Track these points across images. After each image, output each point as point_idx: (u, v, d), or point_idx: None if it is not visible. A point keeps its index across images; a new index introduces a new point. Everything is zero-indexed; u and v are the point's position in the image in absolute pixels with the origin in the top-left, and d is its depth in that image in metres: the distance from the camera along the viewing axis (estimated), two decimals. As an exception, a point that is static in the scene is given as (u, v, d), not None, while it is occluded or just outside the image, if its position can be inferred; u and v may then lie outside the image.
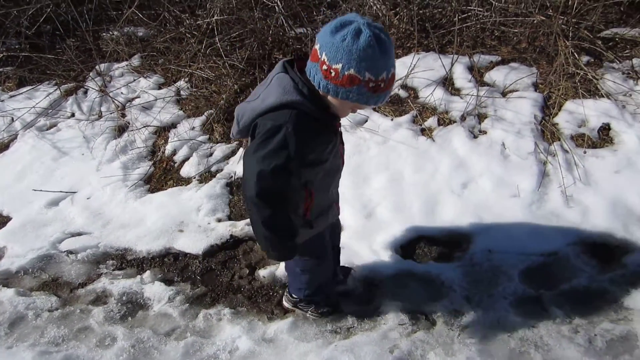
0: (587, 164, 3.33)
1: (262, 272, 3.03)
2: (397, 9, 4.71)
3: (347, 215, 3.24)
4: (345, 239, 3.11)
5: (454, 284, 2.82)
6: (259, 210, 1.85)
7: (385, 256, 2.98)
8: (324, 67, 1.64)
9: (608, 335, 2.50)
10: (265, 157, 1.76)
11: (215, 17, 4.33)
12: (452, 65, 4.06)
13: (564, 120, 3.60)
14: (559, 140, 3.48)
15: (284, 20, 4.59)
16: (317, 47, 1.66)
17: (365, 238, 3.10)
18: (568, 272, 2.80)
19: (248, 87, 4.27)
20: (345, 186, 3.41)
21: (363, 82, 1.62)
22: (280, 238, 1.95)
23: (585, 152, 3.36)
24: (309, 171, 1.94)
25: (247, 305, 2.89)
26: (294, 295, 2.70)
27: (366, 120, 3.86)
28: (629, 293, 2.67)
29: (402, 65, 4.10)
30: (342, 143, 2.14)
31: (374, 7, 4.71)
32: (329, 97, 1.74)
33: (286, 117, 1.75)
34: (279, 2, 4.57)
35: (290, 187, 1.87)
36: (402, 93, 4.01)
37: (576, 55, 3.95)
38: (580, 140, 3.50)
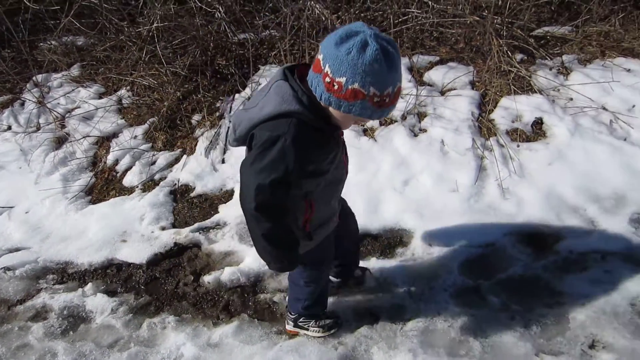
0: (521, 157, 3.45)
1: (207, 278, 3.01)
2: (339, 13, 4.79)
3: (292, 217, 3.25)
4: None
5: (396, 279, 2.86)
6: (258, 223, 1.80)
7: (330, 256, 3.00)
8: (327, 79, 1.57)
9: (543, 320, 2.59)
10: (262, 169, 1.70)
11: (155, 25, 4.29)
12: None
13: (500, 116, 3.73)
14: (495, 135, 3.60)
15: (226, 26, 4.59)
16: (320, 57, 1.59)
17: (310, 239, 3.11)
18: (505, 262, 2.89)
19: (191, 94, 4.25)
20: (290, 188, 3.44)
21: (367, 97, 1.56)
22: (281, 250, 1.90)
23: (518, 146, 3.49)
24: (309, 182, 1.89)
25: (192, 312, 2.87)
26: (292, 313, 2.60)
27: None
28: (561, 278, 2.78)
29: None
30: (346, 154, 2.09)
31: (316, 11, 4.77)
32: (331, 109, 1.68)
33: (284, 128, 1.68)
34: (220, 8, 4.56)
35: (290, 199, 1.82)
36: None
37: (509, 54, 4.09)
38: (515, 134, 3.63)
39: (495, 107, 3.81)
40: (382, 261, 2.98)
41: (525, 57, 4.22)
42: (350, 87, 1.54)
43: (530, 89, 3.88)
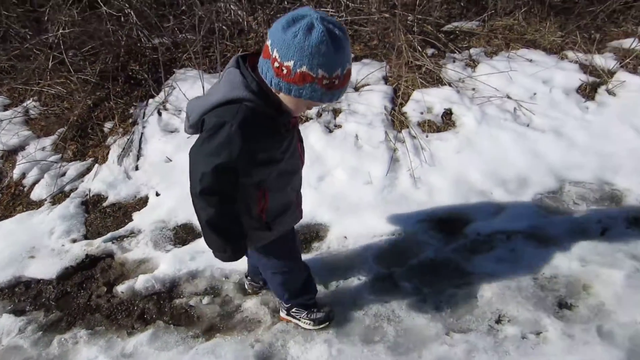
0: (432, 147, 3.55)
1: (121, 288, 2.92)
2: (255, 14, 4.79)
3: (208, 219, 3.22)
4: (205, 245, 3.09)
5: (312, 274, 2.87)
6: (202, 208, 1.79)
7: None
8: (276, 64, 1.57)
9: (453, 300, 2.66)
10: (208, 155, 1.69)
11: (61, 31, 4.14)
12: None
13: (412, 109, 3.83)
14: (407, 127, 3.69)
15: (139, 31, 4.49)
16: (268, 43, 1.60)
17: (226, 239, 3.08)
18: (417, 248, 2.96)
19: (103, 101, 4.12)
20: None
21: (316, 80, 1.56)
22: (224, 239, 1.87)
23: (427, 137, 3.59)
24: (260, 171, 1.88)
25: (106, 323, 2.77)
26: (285, 303, 2.57)
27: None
28: (469, 260, 2.87)
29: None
30: (301, 141, 2.08)
31: (232, 12, 4.75)
32: (281, 95, 1.68)
33: (232, 114, 1.68)
34: (131, 13, 4.46)
35: (236, 187, 1.80)
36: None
37: (420, 49, 4.22)
38: (426, 126, 3.73)
39: (407, 101, 3.91)
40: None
41: (436, 52, 4.36)
42: (298, 70, 1.55)
43: (440, 82, 4.01)
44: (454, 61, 4.23)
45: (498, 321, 2.55)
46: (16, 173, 3.71)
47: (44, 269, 3.07)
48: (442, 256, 2.91)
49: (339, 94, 1.67)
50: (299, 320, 2.57)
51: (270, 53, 1.58)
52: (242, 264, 2.94)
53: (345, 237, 3.05)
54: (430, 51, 4.34)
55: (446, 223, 3.11)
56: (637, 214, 3.08)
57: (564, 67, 4.07)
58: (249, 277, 2.80)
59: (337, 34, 1.53)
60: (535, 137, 3.56)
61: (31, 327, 2.77)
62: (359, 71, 4.16)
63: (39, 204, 3.53)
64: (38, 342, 2.69)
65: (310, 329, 2.56)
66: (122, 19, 4.49)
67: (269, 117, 1.75)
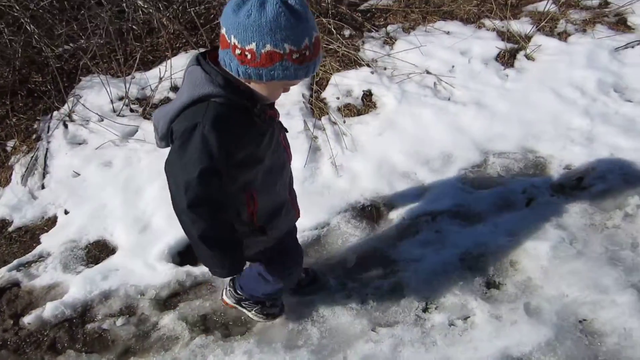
0: (353, 132, 3.42)
1: (27, 319, 2.68)
2: (167, 11, 4.54)
3: (120, 234, 3.01)
4: (119, 259, 2.90)
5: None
6: (193, 224, 1.60)
7: (161, 267, 2.80)
8: (237, 51, 1.43)
9: (379, 293, 2.55)
10: (187, 163, 1.52)
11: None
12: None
13: (331, 94, 3.68)
14: (327, 114, 3.54)
15: (38, 41, 4.19)
16: (223, 31, 1.45)
17: (140, 254, 2.88)
18: (341, 240, 2.83)
19: (3, 118, 3.82)
20: (116, 204, 3.18)
21: (285, 56, 1.41)
22: (221, 252, 1.71)
23: (344, 122, 3.45)
24: (244, 172, 1.71)
25: (14, 358, 2.55)
26: (239, 292, 2.37)
27: (136, 131, 3.63)
28: (395, 246, 2.76)
29: (173, 68, 3.95)
30: (284, 131, 1.93)
31: (141, 10, 4.48)
32: (253, 84, 1.53)
33: (201, 114, 1.52)
34: (29, 21, 4.15)
35: (224, 192, 1.64)
36: (172, 95, 3.85)
37: (337, 32, 4.07)
38: (346, 110, 3.60)
39: (325, 86, 3.76)
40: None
41: (353, 32, 4.21)
42: (262, 51, 1.41)
43: (358, 63, 3.87)
44: (372, 40, 4.10)
45: (425, 309, 2.46)
46: None
47: (-58, 309, 2.81)
48: (367, 246, 2.78)
49: (314, 67, 1.52)
50: (250, 312, 2.44)
51: (228, 41, 1.44)
52: (157, 278, 2.79)
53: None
54: (347, 32, 4.19)
55: (370, 210, 2.99)
56: (561, 180, 3.03)
57: (481, 36, 3.99)
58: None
59: (291, 3, 1.39)
60: (456, 110, 3.47)
61: None
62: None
63: None
64: (-63, 390, 2.45)
65: (258, 321, 2.47)
66: (19, 29, 4.17)
67: (242, 111, 1.58)
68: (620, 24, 4.09)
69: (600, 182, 2.96)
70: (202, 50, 1.63)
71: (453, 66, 3.77)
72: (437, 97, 3.57)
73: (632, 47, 3.84)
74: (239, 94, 1.55)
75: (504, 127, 3.34)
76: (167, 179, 1.62)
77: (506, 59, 3.83)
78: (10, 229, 3.22)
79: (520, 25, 4.04)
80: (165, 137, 1.66)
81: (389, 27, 4.20)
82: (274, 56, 1.42)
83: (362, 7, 4.45)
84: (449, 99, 3.56)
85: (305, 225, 2.90)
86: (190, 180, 1.54)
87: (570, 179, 3.03)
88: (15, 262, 3.01)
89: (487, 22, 4.13)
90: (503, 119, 3.39)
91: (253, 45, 1.41)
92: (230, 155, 1.60)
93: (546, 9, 4.10)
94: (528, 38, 3.96)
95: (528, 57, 3.82)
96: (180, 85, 1.65)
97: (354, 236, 2.84)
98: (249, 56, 1.43)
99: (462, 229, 2.79)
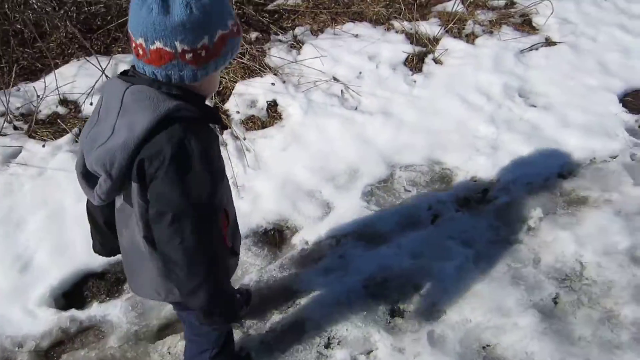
0: (257, 148, 3.23)
1: None
2: (59, 12, 4.14)
3: (-4, 275, 2.71)
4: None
5: (122, 322, 2.48)
6: (211, 260, 1.42)
7: (42, 313, 2.52)
8: (188, 55, 1.25)
9: (279, 328, 2.40)
10: (195, 185, 1.33)
11: None
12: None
13: (234, 105, 3.46)
14: (230, 127, 3.33)
15: None
16: (140, 41, 1.25)
17: (19, 298, 2.58)
18: (240, 271, 2.65)
19: None
20: (-7, 240, 2.86)
21: (228, 33, 1.30)
22: (231, 295, 1.56)
23: (245, 139, 3.25)
24: (222, 185, 1.52)
25: None
26: None
27: (19, 152, 3.28)
28: (297, 275, 2.61)
29: (60, 78, 3.61)
30: None
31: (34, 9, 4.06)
32: (198, 84, 1.34)
33: (178, 130, 1.29)
34: None
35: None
36: (61, 110, 3.51)
37: (244, 34, 3.84)
38: (250, 123, 3.39)
39: (229, 97, 3.54)
40: (106, 304, 2.56)
41: (260, 35, 4.00)
42: (215, 40, 1.27)
43: (264, 70, 3.67)
44: (279, 45, 3.90)
45: (327, 345, 2.33)
46: None
47: None
48: (267, 276, 2.61)
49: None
50: None
51: (171, 50, 1.25)
52: (38, 326, 2.52)
53: (160, 270, 2.68)
54: (254, 35, 3.98)
55: (273, 235, 2.82)
56: (467, 194, 2.98)
57: (390, 39, 3.88)
58: None
59: None
60: (363, 120, 3.34)
61: None
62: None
63: None
64: None
65: None
66: None
67: (207, 118, 1.42)
68: (526, 24, 4.09)
69: (504, 194, 2.93)
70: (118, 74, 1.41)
71: (360, 72, 3.63)
72: (344, 106, 3.43)
73: (537, 49, 3.84)
74: (198, 101, 1.39)
75: (411, 138, 3.25)
76: (168, 222, 1.33)
77: (414, 63, 3.73)
78: None
79: (429, 27, 3.96)
80: (124, 177, 1.36)
81: (297, 30, 4.01)
82: (224, 38, 1.30)
83: (269, 7, 4.23)
84: (356, 109, 3.43)
85: (201, 256, 2.70)
86: (200, 204, 1.35)
87: (476, 191, 2.98)
88: None
89: (396, 23, 4.02)
90: (410, 129, 3.30)
91: (206, 39, 1.26)
92: (219, 168, 1.47)
93: (454, 9, 4.03)
94: (436, 41, 3.88)
95: (436, 61, 3.75)
96: (106, 117, 1.37)
97: (255, 265, 2.67)
98: (203, 53, 1.28)
99: (366, 252, 2.68)
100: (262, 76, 3.62)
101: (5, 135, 3.38)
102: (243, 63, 3.68)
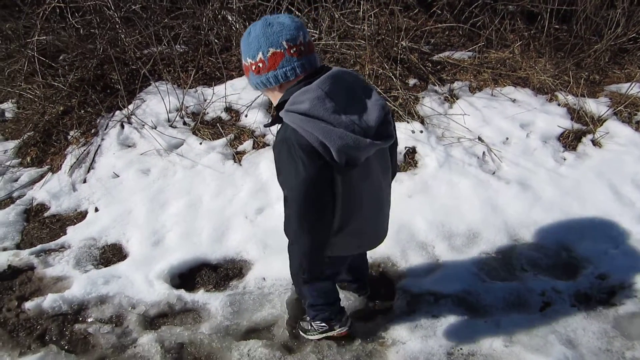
0: (385, 188, 3.30)
1: (29, 304, 2.84)
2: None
3: (135, 242, 3.12)
4: (125, 267, 3.00)
5: (217, 314, 2.71)
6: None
7: (158, 286, 2.85)
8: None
9: (353, 366, 2.43)
10: None
11: (36, 38, 4.16)
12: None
13: (375, 144, 3.58)
14: (364, 163, 3.45)
15: (122, 40, 4.47)
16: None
17: (144, 267, 2.96)
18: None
19: (76, 108, 4.11)
20: (141, 212, 3.30)
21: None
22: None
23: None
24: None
25: (5, 339, 2.70)
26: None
27: (181, 144, 3.75)
28: (384, 320, 2.61)
29: (231, 88, 4.06)
30: None
31: (231, 22, 4.63)
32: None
33: None
34: (119, 22, 4.44)
35: None
36: (224, 116, 3.94)
37: (402, 79, 3.97)
38: (385, 163, 3.48)
39: (372, 134, 3.66)
40: (210, 294, 2.82)
41: (418, 82, 4.09)
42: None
43: (413, 116, 3.75)
44: (433, 95, 3.95)
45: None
46: (-27, 174, 3.75)
47: (-32, 275, 3.05)
48: (354, 317, 2.66)
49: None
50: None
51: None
52: (151, 295, 2.85)
53: (264, 279, 2.87)
54: (412, 81, 4.08)
55: (374, 277, 2.86)
56: (589, 290, 2.73)
57: (549, 110, 3.71)
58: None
59: (270, 20, 1.67)
60: (498, 186, 3.25)
61: (-64, 333, 2.75)
62: (331, 98, 3.94)
63: (-15, 208, 3.54)
64: (-63, 350, 2.66)
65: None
66: (107, 26, 4.48)
67: None
68: None
69: (633, 303, 2.63)
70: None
71: (507, 138, 3.53)
72: (482, 168, 3.36)
73: None
74: None
75: (544, 216, 3.08)
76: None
77: (569, 140, 3.53)
78: (45, 214, 3.45)
79: (596, 106, 3.71)
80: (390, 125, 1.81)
81: (455, 84, 4.03)
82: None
83: (434, 58, 4.30)
84: (493, 173, 3.34)
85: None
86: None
87: (601, 291, 2.72)
88: (39, 246, 3.21)
89: (560, 96, 3.84)
90: (546, 207, 3.13)
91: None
92: None
93: (628, 92, 3.73)
94: (600, 121, 3.63)
95: (594, 143, 3.50)
96: (344, 94, 1.70)
97: (349, 300, 2.73)
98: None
99: (461, 320, 2.59)
100: (408, 122, 3.70)
101: (174, 127, 3.89)
102: (395, 106, 3.79)
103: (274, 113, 1.84)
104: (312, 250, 1.91)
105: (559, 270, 2.84)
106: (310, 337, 2.52)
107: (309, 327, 2.50)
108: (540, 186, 3.24)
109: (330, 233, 1.91)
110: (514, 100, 3.81)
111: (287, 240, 1.98)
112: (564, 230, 3.01)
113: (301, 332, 2.56)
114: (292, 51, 1.65)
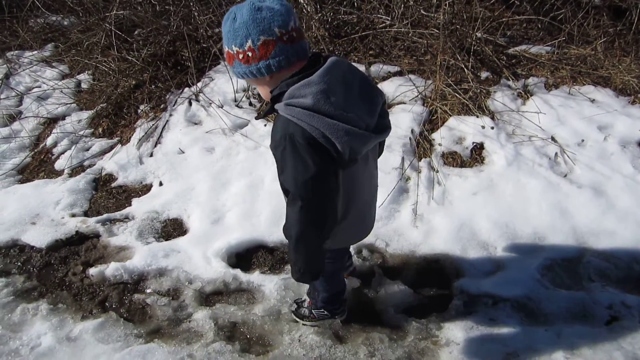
0: (449, 183, 3.21)
1: (93, 271, 2.97)
2: (320, 15, 4.64)
3: (195, 219, 3.19)
4: (185, 242, 3.07)
5: (271, 297, 2.73)
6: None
7: (216, 263, 2.91)
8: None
9: (404, 362, 2.39)
10: None
11: (114, 12, 4.29)
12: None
13: (441, 137, 3.49)
14: (429, 157, 3.37)
15: (195, 17, 4.54)
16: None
17: (203, 244, 3.02)
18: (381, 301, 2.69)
19: (146, 83, 4.22)
20: (203, 190, 3.36)
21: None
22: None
23: (437, 172, 3.24)
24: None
25: (70, 302, 2.84)
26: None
27: (246, 125, 3.79)
28: (439, 318, 2.55)
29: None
30: None
31: (302, 4, 4.61)
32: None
33: None
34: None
35: None
36: (290, 98, 3.93)
37: (473, 71, 3.83)
38: (450, 158, 3.38)
39: (440, 126, 3.57)
40: (265, 276, 2.84)
41: (491, 76, 3.93)
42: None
43: (483, 111, 3.61)
44: (505, 90, 3.79)
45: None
46: (50, 141, 3.93)
47: (39, 237, 3.21)
48: (411, 311, 2.61)
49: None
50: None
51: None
52: (208, 272, 2.90)
53: (319, 265, 2.86)
54: (484, 74, 3.93)
55: (431, 274, 2.80)
56: (661, 307, 2.56)
57: (631, 113, 3.48)
58: None
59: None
60: (569, 190, 3.09)
61: (7, 290, 2.91)
62: (397, 87, 3.88)
63: (58, 174, 3.71)
64: (6, 306, 2.82)
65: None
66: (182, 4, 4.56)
67: None
68: None
69: None
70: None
71: (583, 140, 3.34)
72: (553, 170, 3.20)
73: None
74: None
75: (617, 225, 2.90)
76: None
77: (652, 146, 3.31)
78: (113, 184, 3.58)
79: (686, 113, 3.46)
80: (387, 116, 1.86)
81: (530, 79, 3.85)
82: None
83: (509, 51, 4.13)
84: (565, 176, 3.17)
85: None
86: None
87: (675, 310, 2.54)
88: (105, 215, 3.34)
89: (645, 99, 3.60)
90: (620, 215, 2.95)
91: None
92: None
93: None
94: (689, 129, 3.37)
95: (681, 152, 3.26)
96: (346, 90, 1.64)
97: (401, 292, 2.69)
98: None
99: (520, 326, 2.49)
100: (477, 116, 3.57)
101: (240, 107, 3.93)
102: (465, 98, 3.67)
103: (267, 104, 1.74)
104: (321, 246, 1.85)
105: (630, 283, 2.68)
106: (307, 324, 2.55)
107: (309, 313, 2.54)
108: (615, 193, 3.06)
109: (335, 226, 1.86)
110: (592, 101, 3.60)
111: (287, 240, 1.88)
112: (639, 242, 2.83)
113: (297, 318, 2.59)
114: (284, 38, 1.54)
